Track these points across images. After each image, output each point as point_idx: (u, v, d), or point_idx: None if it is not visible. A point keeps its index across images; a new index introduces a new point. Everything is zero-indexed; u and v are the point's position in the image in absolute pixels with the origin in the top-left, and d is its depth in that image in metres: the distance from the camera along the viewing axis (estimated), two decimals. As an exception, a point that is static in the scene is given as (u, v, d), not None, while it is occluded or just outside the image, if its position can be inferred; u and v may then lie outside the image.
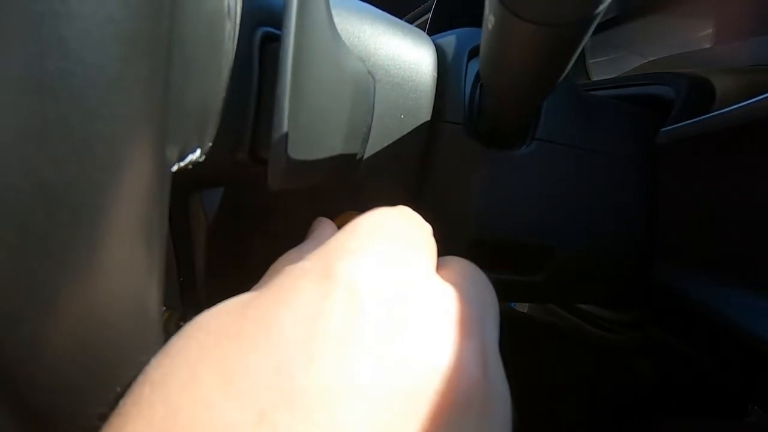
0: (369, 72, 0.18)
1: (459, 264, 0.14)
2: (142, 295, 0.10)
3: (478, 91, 0.21)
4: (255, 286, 0.13)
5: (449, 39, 0.22)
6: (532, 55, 0.13)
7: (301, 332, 0.09)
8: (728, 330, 0.19)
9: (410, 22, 0.47)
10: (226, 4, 0.13)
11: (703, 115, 0.20)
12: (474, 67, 0.21)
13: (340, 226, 0.18)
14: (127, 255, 0.09)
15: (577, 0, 0.11)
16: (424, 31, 0.30)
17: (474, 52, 0.22)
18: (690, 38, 0.31)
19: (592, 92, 0.29)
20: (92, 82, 0.07)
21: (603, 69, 0.36)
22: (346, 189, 0.20)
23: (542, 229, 0.22)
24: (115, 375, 0.09)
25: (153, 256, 0.10)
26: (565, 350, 0.38)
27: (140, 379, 0.09)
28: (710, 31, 0.30)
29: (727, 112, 0.19)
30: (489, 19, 0.13)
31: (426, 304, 0.11)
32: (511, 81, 0.15)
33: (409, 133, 0.20)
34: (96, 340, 0.09)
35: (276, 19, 0.15)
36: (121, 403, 0.09)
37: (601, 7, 0.11)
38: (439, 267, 0.13)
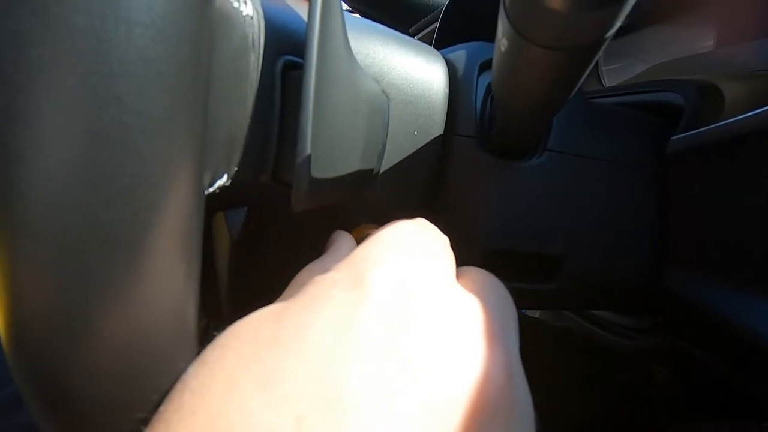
0: (383, 91, 0.19)
1: (478, 274, 0.14)
2: (182, 312, 0.10)
3: (488, 104, 0.22)
4: (280, 297, 0.13)
5: (459, 54, 0.22)
6: (544, 77, 0.14)
7: (333, 339, 0.10)
8: (742, 336, 0.19)
9: (416, 32, 0.48)
10: (250, 38, 0.13)
11: (713, 121, 0.20)
12: (484, 80, 0.22)
13: (356, 239, 0.18)
14: (170, 278, 0.10)
15: (588, 26, 0.11)
16: (430, 41, 0.30)
17: (484, 66, 0.22)
18: (699, 43, 0.31)
19: (601, 99, 0.29)
20: (143, 131, 0.08)
21: (616, 75, 0.36)
22: (361, 204, 0.21)
23: (555, 238, 0.22)
24: (157, 383, 0.10)
25: (191, 276, 0.10)
26: (578, 355, 0.38)
27: (179, 386, 0.10)
28: (719, 35, 0.30)
29: (739, 120, 0.19)
30: (502, 42, 0.14)
31: (452, 313, 0.11)
32: (523, 100, 0.16)
33: (423, 148, 0.20)
34: (141, 355, 0.09)
35: (297, 48, 0.15)
36: (161, 409, 0.09)
37: (611, 32, 0.12)
38: (458, 277, 0.14)
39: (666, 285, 0.23)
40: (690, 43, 0.32)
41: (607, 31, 0.12)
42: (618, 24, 0.12)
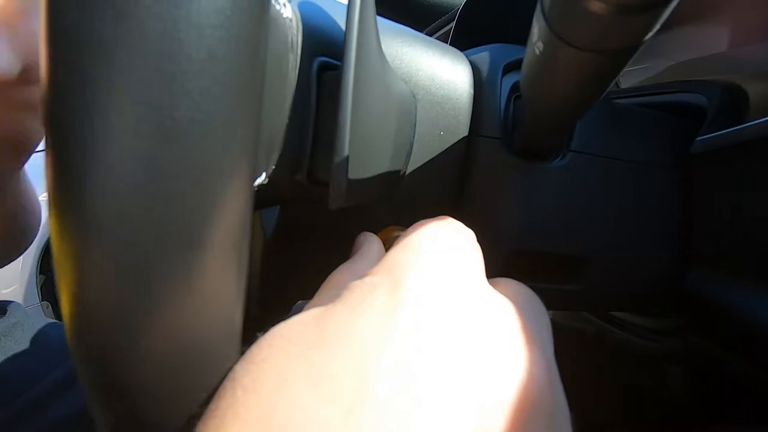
0: (411, 92, 0.19)
1: (511, 283, 0.14)
2: (231, 309, 0.11)
3: (512, 105, 0.22)
4: (314, 300, 0.14)
5: (483, 55, 0.23)
6: (579, 79, 0.14)
7: (376, 340, 0.10)
8: (766, 336, 0.19)
9: (431, 33, 0.48)
10: (290, 39, 0.14)
11: (737, 122, 0.20)
12: (508, 82, 0.22)
13: (384, 240, 0.18)
14: (223, 274, 0.10)
15: (630, 29, 0.12)
16: (446, 41, 0.30)
17: (508, 68, 0.22)
18: (719, 43, 0.31)
19: (623, 100, 0.29)
20: (209, 126, 0.08)
21: (634, 76, 0.36)
22: (386, 204, 0.21)
23: (578, 238, 0.22)
24: (207, 380, 0.10)
25: (241, 273, 0.11)
26: (592, 356, 0.38)
27: (229, 384, 0.10)
28: (739, 34, 0.30)
29: (764, 121, 0.19)
30: (537, 46, 0.14)
31: (489, 315, 0.12)
32: (554, 101, 0.16)
33: (448, 148, 0.21)
34: (194, 350, 0.10)
35: (332, 49, 0.16)
36: (213, 406, 0.10)
37: (651, 34, 0.12)
38: (491, 285, 0.14)
39: (690, 285, 0.23)
40: (710, 43, 0.31)
41: (648, 33, 0.12)
42: (659, 26, 0.12)
